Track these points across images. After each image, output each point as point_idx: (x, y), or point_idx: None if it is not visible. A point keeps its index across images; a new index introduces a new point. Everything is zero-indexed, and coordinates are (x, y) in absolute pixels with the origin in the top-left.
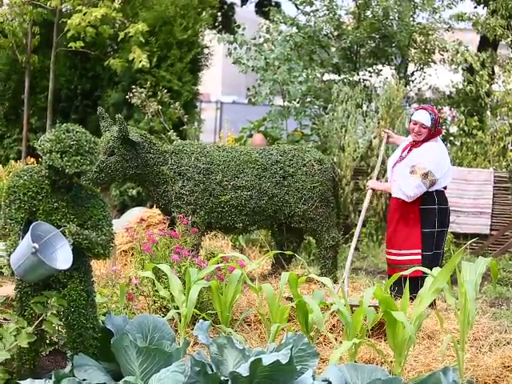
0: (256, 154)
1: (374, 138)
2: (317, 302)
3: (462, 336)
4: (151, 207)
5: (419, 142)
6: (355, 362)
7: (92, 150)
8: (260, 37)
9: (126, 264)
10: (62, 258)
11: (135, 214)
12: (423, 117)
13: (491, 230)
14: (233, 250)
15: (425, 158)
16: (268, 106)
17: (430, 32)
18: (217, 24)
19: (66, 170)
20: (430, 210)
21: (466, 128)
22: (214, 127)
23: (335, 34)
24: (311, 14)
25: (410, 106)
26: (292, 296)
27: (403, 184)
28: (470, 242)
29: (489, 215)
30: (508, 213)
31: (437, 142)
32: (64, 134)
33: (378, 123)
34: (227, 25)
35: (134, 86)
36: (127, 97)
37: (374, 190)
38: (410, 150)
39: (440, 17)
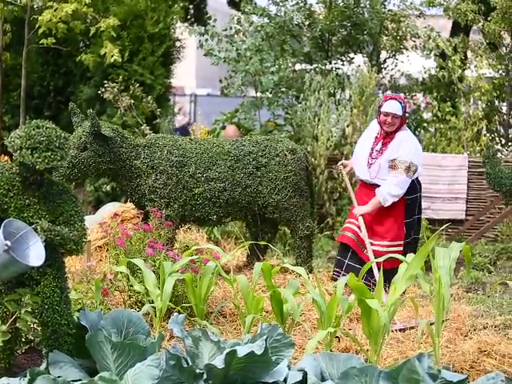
0: (228, 145)
1: (347, 126)
2: (291, 291)
3: (437, 322)
4: (126, 202)
5: (391, 132)
6: (331, 351)
7: (62, 146)
8: (231, 28)
9: (101, 259)
10: (35, 254)
11: (110, 209)
12: (394, 107)
13: (467, 215)
14: (208, 242)
15: (402, 150)
16: (242, 98)
17: (401, 19)
18: (189, 17)
19: (37, 166)
20: (414, 199)
21: (439, 114)
22: (189, 120)
23: (306, 23)
24: (281, 3)
25: (383, 93)
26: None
27: (388, 188)
28: (443, 228)
29: (464, 200)
30: (483, 198)
31: (407, 131)
32: (34, 130)
33: (351, 111)
34: (199, 17)
35: (106, 81)
36: (100, 92)
37: (363, 215)
38: (385, 143)
39: (411, 3)
